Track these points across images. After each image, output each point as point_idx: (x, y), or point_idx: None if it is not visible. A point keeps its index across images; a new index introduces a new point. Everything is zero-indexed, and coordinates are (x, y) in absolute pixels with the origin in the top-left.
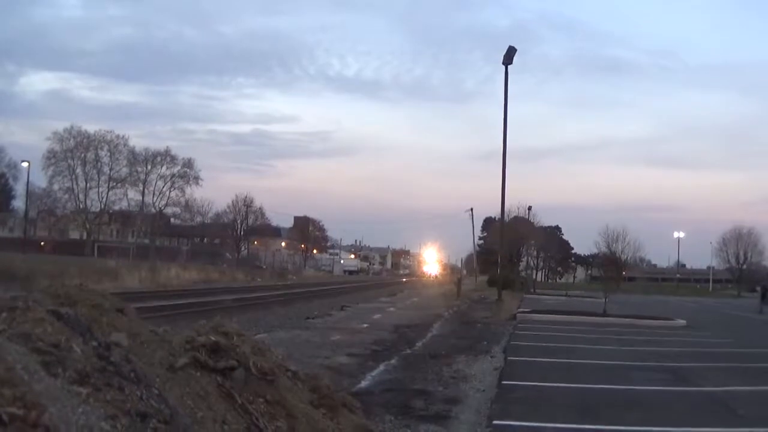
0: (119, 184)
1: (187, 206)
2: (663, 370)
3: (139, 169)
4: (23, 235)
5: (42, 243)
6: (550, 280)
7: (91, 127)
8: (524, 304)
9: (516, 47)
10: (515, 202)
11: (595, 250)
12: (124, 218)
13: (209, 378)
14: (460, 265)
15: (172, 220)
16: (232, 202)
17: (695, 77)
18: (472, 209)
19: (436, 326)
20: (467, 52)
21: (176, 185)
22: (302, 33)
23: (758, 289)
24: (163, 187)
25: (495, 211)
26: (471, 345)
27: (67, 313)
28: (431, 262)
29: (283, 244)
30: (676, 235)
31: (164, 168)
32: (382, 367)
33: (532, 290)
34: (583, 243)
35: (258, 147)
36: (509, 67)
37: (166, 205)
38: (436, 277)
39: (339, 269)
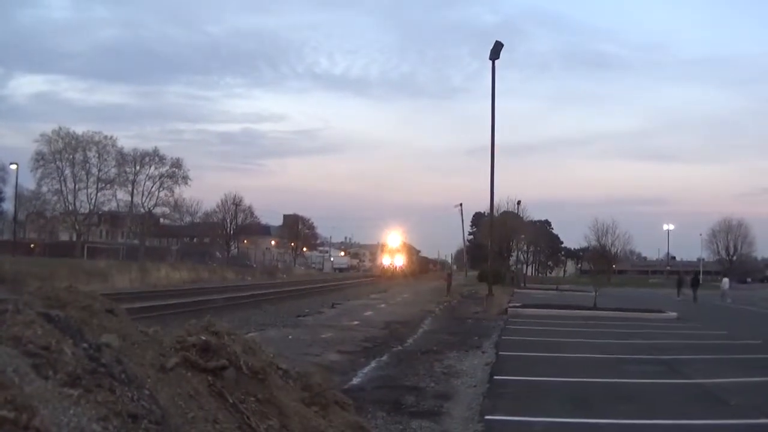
0: (108, 185)
1: (176, 206)
2: (655, 363)
3: (128, 170)
4: (12, 238)
5: (32, 245)
6: (540, 275)
7: (79, 129)
8: (515, 298)
9: (503, 42)
10: (504, 197)
11: (585, 244)
12: (114, 219)
13: (200, 378)
14: (450, 261)
15: (161, 220)
16: (222, 201)
17: (683, 71)
18: (461, 204)
19: (426, 322)
20: (454, 48)
21: (165, 185)
22: (289, 31)
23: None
24: (152, 187)
25: (484, 207)
26: (462, 340)
27: (57, 316)
28: (394, 250)
29: (273, 242)
30: (665, 227)
31: (153, 168)
32: (373, 363)
33: (522, 285)
34: (572, 237)
35: (247, 146)
36: (496, 62)
37: (155, 205)
38: (400, 271)
39: (329, 267)
